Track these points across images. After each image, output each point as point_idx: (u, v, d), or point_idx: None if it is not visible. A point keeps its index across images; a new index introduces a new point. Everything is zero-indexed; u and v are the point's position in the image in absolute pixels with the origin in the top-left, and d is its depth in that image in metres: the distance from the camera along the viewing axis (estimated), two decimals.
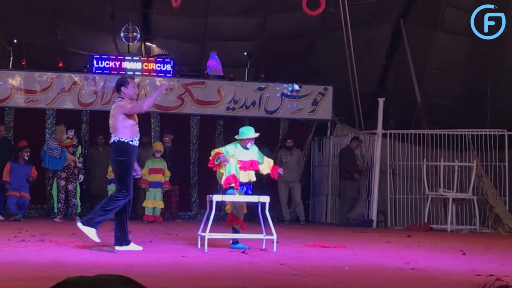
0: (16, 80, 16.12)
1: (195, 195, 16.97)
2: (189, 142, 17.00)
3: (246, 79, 17.32)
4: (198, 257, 8.37)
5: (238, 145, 9.62)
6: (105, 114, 15.93)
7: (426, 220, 15.43)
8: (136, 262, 7.55)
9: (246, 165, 9.50)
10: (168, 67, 16.77)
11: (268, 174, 9.85)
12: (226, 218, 10.09)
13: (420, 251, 9.86)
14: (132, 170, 8.96)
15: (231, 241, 9.66)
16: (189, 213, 16.88)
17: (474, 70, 18.18)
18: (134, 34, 17.16)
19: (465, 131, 15.90)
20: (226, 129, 16.69)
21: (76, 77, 16.39)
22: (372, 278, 6.84)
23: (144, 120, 16.49)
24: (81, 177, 15.10)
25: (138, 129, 9.12)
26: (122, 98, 9.07)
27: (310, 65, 18.53)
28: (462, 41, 17.68)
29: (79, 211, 15.11)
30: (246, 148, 9.58)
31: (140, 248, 8.89)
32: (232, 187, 9.36)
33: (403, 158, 16.27)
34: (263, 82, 17.17)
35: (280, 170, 9.85)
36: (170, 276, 6.55)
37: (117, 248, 8.77)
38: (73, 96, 16.31)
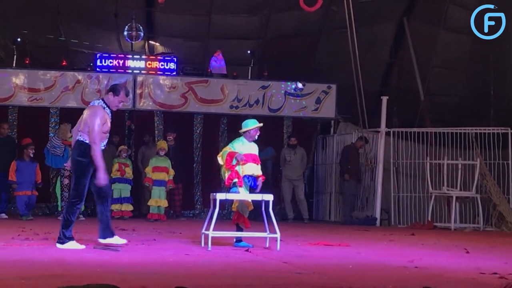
0: (19, 78, 16.14)
1: (199, 193, 16.98)
2: (192, 141, 17.00)
3: (249, 77, 17.33)
4: (201, 255, 8.37)
5: (244, 139, 9.62)
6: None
7: (429, 218, 15.43)
8: (140, 260, 7.56)
9: (250, 158, 9.49)
10: (172, 65, 16.78)
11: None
12: (231, 216, 10.11)
13: (424, 249, 9.86)
14: (89, 173, 8.68)
15: (234, 239, 9.66)
16: (193, 211, 16.89)
17: (478, 69, 18.18)
18: (138, 32, 17.16)
19: (468, 129, 15.88)
20: (229, 128, 16.70)
21: (79, 76, 16.40)
22: (375, 276, 6.83)
23: (147, 118, 16.60)
24: None
25: (108, 135, 8.89)
26: (104, 101, 8.77)
27: (314, 64, 18.53)
28: (465, 40, 17.68)
29: (82, 210, 15.09)
30: (250, 141, 9.57)
31: (124, 241, 8.87)
32: (235, 183, 9.36)
33: (406, 156, 16.26)
34: (266, 81, 17.17)
35: (259, 182, 9.68)
36: (173, 274, 6.56)
37: (101, 240, 8.76)
38: (76, 95, 16.33)
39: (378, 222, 15.95)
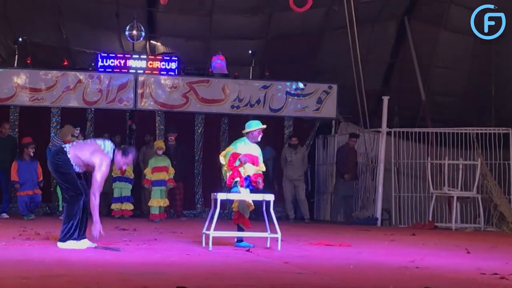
0: (21, 78, 16.15)
1: (200, 193, 16.98)
2: (193, 141, 17.00)
3: (250, 77, 17.33)
4: (202, 255, 8.38)
5: (246, 140, 9.63)
6: (110, 112, 16.15)
7: (430, 219, 15.43)
8: (141, 260, 7.56)
9: (253, 160, 9.50)
10: (173, 65, 16.78)
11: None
12: (232, 216, 10.12)
13: (425, 249, 9.86)
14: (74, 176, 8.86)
15: (235, 240, 9.67)
16: (194, 211, 16.89)
17: (479, 68, 18.18)
18: (139, 32, 17.15)
19: (469, 130, 15.88)
20: (230, 128, 16.71)
21: (81, 76, 16.41)
22: (376, 276, 6.84)
23: (148, 118, 16.61)
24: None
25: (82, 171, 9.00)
26: (112, 156, 8.89)
27: (315, 64, 18.52)
28: (466, 39, 17.67)
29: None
30: (253, 142, 9.58)
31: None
32: (236, 182, 9.37)
33: (407, 156, 16.25)
34: (267, 81, 17.18)
35: (260, 181, 9.69)
36: (174, 274, 6.56)
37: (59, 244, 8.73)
38: (78, 95, 16.34)
39: (379, 222, 15.95)
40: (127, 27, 17.14)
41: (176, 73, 16.77)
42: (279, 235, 9.22)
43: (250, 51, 17.48)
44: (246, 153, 9.48)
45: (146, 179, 14.92)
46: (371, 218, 15.92)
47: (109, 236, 9.84)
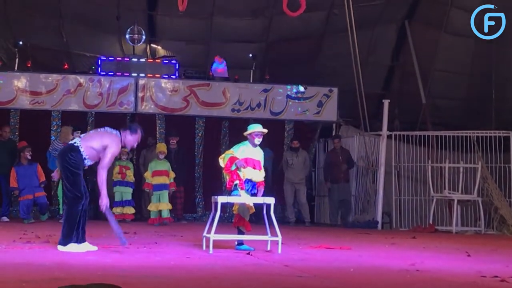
0: (21, 81, 16.14)
1: (200, 196, 16.97)
2: (194, 144, 16.99)
3: (251, 80, 17.32)
4: (203, 258, 8.38)
5: (248, 143, 9.64)
6: (111, 116, 16.14)
7: (431, 222, 15.42)
8: (141, 263, 7.57)
9: (253, 164, 9.51)
10: (174, 68, 16.79)
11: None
12: (233, 219, 10.13)
13: (425, 252, 9.86)
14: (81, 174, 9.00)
15: (236, 243, 9.66)
16: (194, 214, 16.88)
17: (479, 72, 18.20)
18: (140, 35, 17.16)
19: (470, 133, 15.87)
20: (231, 131, 16.70)
21: (81, 79, 16.40)
22: (377, 280, 6.84)
23: (149, 121, 16.60)
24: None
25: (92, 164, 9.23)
26: (120, 137, 9.08)
27: (315, 67, 18.54)
28: (467, 43, 17.70)
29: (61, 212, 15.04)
30: (255, 146, 9.59)
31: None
32: (236, 185, 9.37)
33: (408, 159, 16.25)
34: (268, 84, 17.17)
35: (260, 190, 9.72)
36: (175, 278, 6.57)
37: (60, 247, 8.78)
38: (78, 98, 16.32)
39: (379, 225, 15.94)
40: (128, 30, 17.15)
41: (177, 76, 16.76)
42: (279, 238, 9.22)
43: (250, 55, 17.48)
44: (245, 157, 9.48)
45: (146, 183, 14.85)
46: (371, 222, 15.92)
47: (109, 238, 9.85)
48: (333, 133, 17.66)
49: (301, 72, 17.96)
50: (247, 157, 9.51)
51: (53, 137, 15.98)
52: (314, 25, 18.11)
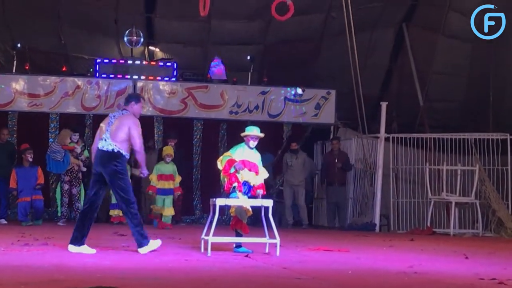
0: (19, 84, 16.14)
1: (198, 199, 16.96)
2: (192, 146, 16.99)
3: (249, 83, 17.33)
4: (201, 260, 8.39)
5: (245, 146, 9.66)
6: None
7: (429, 224, 15.42)
8: (139, 266, 7.57)
9: (250, 166, 9.53)
10: (171, 71, 16.80)
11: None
12: (230, 221, 10.14)
13: (423, 255, 9.88)
14: (128, 178, 9.31)
15: (234, 245, 9.67)
16: (192, 217, 16.86)
17: (477, 74, 18.22)
18: (138, 38, 17.17)
19: (467, 135, 15.89)
20: (229, 133, 16.70)
21: (79, 81, 16.40)
22: (375, 282, 6.85)
23: (147, 124, 16.57)
24: (84, 168, 14.99)
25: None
26: (128, 111, 9.28)
27: (313, 69, 18.54)
28: (465, 46, 17.72)
29: (65, 215, 15.03)
30: (251, 148, 9.61)
31: (93, 251, 8.96)
32: (234, 187, 9.39)
33: (406, 162, 16.25)
34: (266, 86, 17.18)
35: (260, 194, 9.73)
36: (173, 280, 6.57)
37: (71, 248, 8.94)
38: (76, 100, 16.33)
39: (377, 228, 15.94)
40: (126, 33, 17.15)
41: (175, 79, 16.77)
42: (277, 240, 9.23)
43: (248, 57, 17.48)
44: (242, 160, 9.50)
45: (151, 185, 14.68)
46: (369, 224, 15.92)
47: (107, 241, 9.86)
48: (331, 136, 17.66)
49: (299, 74, 17.97)
50: (243, 159, 9.53)
51: (51, 140, 15.97)
52: (312, 27, 18.13)
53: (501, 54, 17.27)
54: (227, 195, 9.55)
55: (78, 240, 8.98)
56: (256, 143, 9.71)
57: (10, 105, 16.12)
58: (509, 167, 15.63)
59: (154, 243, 9.07)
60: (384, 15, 18.11)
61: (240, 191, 9.41)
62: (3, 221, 14.63)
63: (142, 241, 9.02)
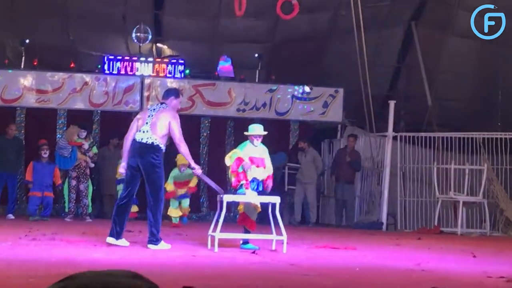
0: (28, 80, 16.18)
1: (205, 196, 16.96)
2: (199, 144, 16.98)
3: (257, 80, 17.33)
4: (208, 256, 8.39)
5: (247, 144, 9.69)
6: (116, 115, 16.16)
7: (436, 223, 15.39)
8: (147, 261, 7.57)
9: (257, 162, 9.54)
10: (180, 68, 16.79)
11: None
12: (237, 217, 10.15)
13: (431, 253, 9.86)
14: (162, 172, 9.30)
15: (241, 242, 9.67)
16: (199, 214, 16.86)
17: (485, 73, 18.17)
18: (146, 35, 17.17)
19: (476, 135, 15.84)
20: (236, 131, 16.68)
21: (87, 78, 16.43)
22: (383, 278, 6.84)
23: None
24: (92, 164, 15.04)
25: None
26: (167, 105, 9.31)
27: (321, 68, 18.53)
28: (473, 45, 17.66)
29: (90, 211, 15.13)
30: (254, 145, 9.63)
31: (127, 243, 9.17)
32: (242, 185, 9.39)
33: (413, 161, 16.23)
34: (273, 84, 17.18)
35: (269, 185, 9.73)
36: (180, 275, 6.57)
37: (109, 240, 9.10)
38: (84, 97, 16.36)
39: (384, 226, 15.93)
40: (134, 30, 17.16)
41: (182, 75, 16.77)
42: (284, 237, 9.22)
43: (256, 55, 17.48)
44: (250, 157, 9.51)
45: (167, 193, 13.60)
46: (376, 223, 15.90)
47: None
48: (338, 134, 17.65)
49: (307, 72, 17.95)
50: (251, 157, 9.54)
51: (59, 136, 16.01)
52: (320, 25, 18.12)
53: (509, 53, 17.22)
54: (235, 192, 9.55)
55: (119, 234, 9.13)
56: (260, 141, 9.72)
57: (18, 101, 16.15)
58: None
59: (165, 246, 9.07)
60: (392, 13, 18.08)
61: (247, 188, 9.41)
62: (11, 216, 14.67)
63: (155, 238, 9.04)
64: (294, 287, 6.11)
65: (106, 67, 16.50)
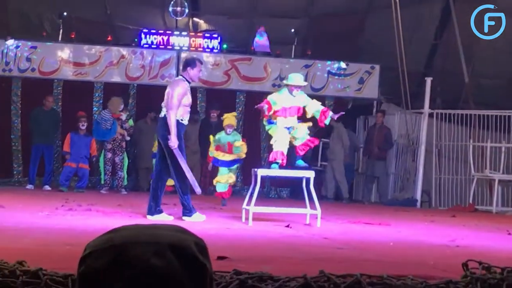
0: (65, 52, 16.30)
1: (239, 171, 16.97)
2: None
3: (293, 56, 17.29)
4: (242, 229, 8.44)
5: (285, 91, 9.56)
6: (152, 88, 16.23)
7: (471, 201, 15.31)
8: None
9: (288, 112, 9.42)
10: (216, 42, 16.79)
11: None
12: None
13: (465, 230, 9.82)
14: (182, 145, 9.21)
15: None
16: (233, 189, 16.87)
17: None
18: (183, 8, 17.17)
19: None
20: None
21: (124, 51, 16.50)
22: (417, 253, 6.83)
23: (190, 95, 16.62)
24: (128, 137, 15.20)
25: (189, 110, 9.46)
26: (184, 77, 9.35)
27: (358, 43, 18.42)
28: None
29: (125, 184, 15.27)
30: (293, 95, 9.50)
31: (171, 218, 9.28)
32: (277, 163, 9.40)
33: (449, 138, 16.14)
34: (309, 60, 17.12)
35: (332, 115, 9.63)
36: (215, 246, 6.59)
37: (149, 217, 9.19)
38: (121, 70, 16.44)
39: (418, 203, 15.88)
40: (171, 3, 17.17)
41: (219, 50, 16.78)
42: (318, 212, 9.24)
43: (292, 30, 17.42)
44: (283, 106, 9.36)
45: (209, 157, 13.30)
46: (410, 200, 15.85)
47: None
48: (374, 111, 17.55)
49: (343, 48, 17.85)
50: (283, 106, 9.41)
51: (95, 108, 16.14)
52: (357, 1, 17.99)
53: None
54: (268, 166, 9.58)
55: (154, 208, 9.22)
56: (299, 91, 9.57)
57: (55, 73, 16.27)
58: None
59: (199, 217, 9.14)
60: None
61: (282, 165, 9.41)
62: (47, 187, 14.85)
63: (187, 210, 9.14)
64: (327, 260, 6.12)
65: (143, 41, 16.55)
